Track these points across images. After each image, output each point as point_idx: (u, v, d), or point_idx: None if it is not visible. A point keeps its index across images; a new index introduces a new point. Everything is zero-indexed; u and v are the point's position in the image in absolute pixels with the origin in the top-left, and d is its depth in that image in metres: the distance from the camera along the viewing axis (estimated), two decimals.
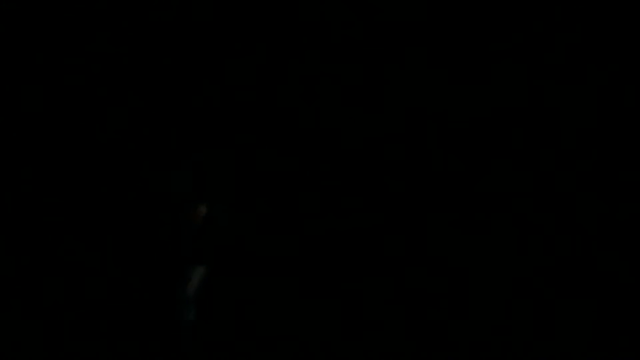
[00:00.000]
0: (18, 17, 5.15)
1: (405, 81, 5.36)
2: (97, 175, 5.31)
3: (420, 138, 5.32)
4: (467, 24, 5.37)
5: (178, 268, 4.62)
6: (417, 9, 5.39)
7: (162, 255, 5.09)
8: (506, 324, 5.19)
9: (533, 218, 5.34)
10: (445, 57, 5.42)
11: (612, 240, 5.27)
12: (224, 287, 4.80)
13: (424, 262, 5.33)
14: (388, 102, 5.35)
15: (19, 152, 5.29)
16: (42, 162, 5.37)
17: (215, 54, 5.35)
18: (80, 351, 4.96)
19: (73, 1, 5.19)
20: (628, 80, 5.30)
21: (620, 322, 5.15)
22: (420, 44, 5.39)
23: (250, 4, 5.33)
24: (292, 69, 5.37)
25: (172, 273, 4.84)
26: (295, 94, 5.35)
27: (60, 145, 5.32)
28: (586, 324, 5.14)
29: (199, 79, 5.37)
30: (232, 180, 5.07)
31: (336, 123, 5.36)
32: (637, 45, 5.31)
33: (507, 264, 5.30)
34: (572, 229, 5.30)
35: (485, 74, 5.40)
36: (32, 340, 4.97)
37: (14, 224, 5.27)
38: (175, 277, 4.67)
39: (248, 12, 5.39)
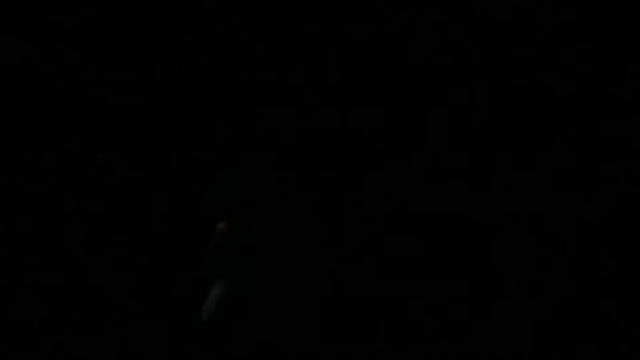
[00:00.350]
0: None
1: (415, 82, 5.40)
2: (129, 189, 5.36)
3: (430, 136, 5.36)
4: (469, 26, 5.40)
5: (198, 283, 4.64)
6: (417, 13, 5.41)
7: (186, 269, 5.14)
8: (510, 326, 5.21)
9: (534, 218, 5.35)
10: (445, 57, 5.45)
11: (613, 240, 5.29)
12: (245, 302, 4.78)
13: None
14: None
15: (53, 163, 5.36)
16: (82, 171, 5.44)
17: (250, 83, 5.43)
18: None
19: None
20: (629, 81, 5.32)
21: (620, 322, 5.16)
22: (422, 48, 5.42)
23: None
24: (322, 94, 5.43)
25: (192, 288, 4.88)
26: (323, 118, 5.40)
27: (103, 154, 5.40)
28: (587, 324, 5.16)
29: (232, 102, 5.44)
30: (258, 196, 5.09)
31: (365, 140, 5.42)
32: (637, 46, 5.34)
33: (513, 261, 5.32)
34: (573, 228, 5.32)
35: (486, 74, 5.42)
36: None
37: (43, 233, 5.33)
38: (194, 292, 4.70)
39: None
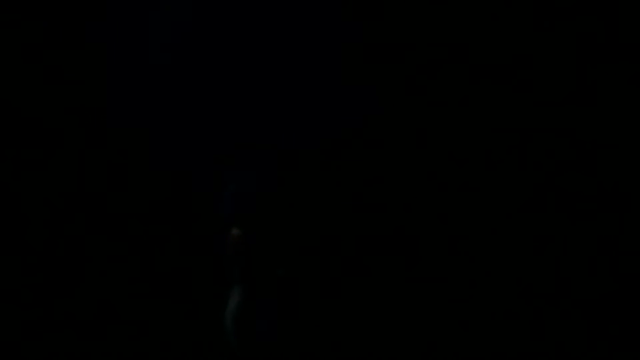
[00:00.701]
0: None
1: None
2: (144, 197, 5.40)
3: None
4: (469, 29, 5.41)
5: (219, 289, 4.69)
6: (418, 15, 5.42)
7: (205, 276, 5.17)
8: (506, 325, 5.22)
9: (532, 220, 5.37)
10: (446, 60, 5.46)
11: (612, 241, 5.30)
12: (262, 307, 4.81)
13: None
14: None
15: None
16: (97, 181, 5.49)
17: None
18: None
19: None
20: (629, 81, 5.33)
21: (620, 322, 5.17)
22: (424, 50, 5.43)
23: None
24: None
25: (214, 293, 4.92)
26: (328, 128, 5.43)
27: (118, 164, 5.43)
28: (586, 324, 5.17)
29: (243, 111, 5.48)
30: (271, 203, 5.13)
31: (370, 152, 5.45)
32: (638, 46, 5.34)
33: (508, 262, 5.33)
34: (572, 229, 5.33)
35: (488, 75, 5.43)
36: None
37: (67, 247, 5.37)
38: (216, 298, 4.75)
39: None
